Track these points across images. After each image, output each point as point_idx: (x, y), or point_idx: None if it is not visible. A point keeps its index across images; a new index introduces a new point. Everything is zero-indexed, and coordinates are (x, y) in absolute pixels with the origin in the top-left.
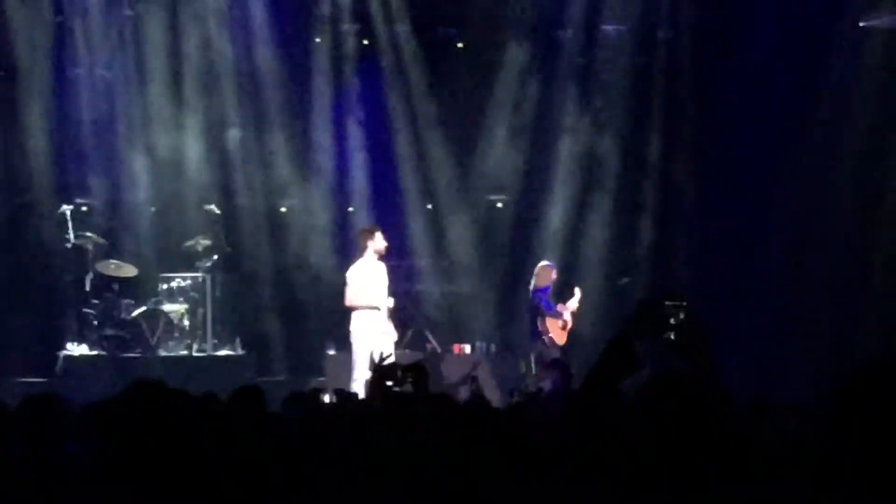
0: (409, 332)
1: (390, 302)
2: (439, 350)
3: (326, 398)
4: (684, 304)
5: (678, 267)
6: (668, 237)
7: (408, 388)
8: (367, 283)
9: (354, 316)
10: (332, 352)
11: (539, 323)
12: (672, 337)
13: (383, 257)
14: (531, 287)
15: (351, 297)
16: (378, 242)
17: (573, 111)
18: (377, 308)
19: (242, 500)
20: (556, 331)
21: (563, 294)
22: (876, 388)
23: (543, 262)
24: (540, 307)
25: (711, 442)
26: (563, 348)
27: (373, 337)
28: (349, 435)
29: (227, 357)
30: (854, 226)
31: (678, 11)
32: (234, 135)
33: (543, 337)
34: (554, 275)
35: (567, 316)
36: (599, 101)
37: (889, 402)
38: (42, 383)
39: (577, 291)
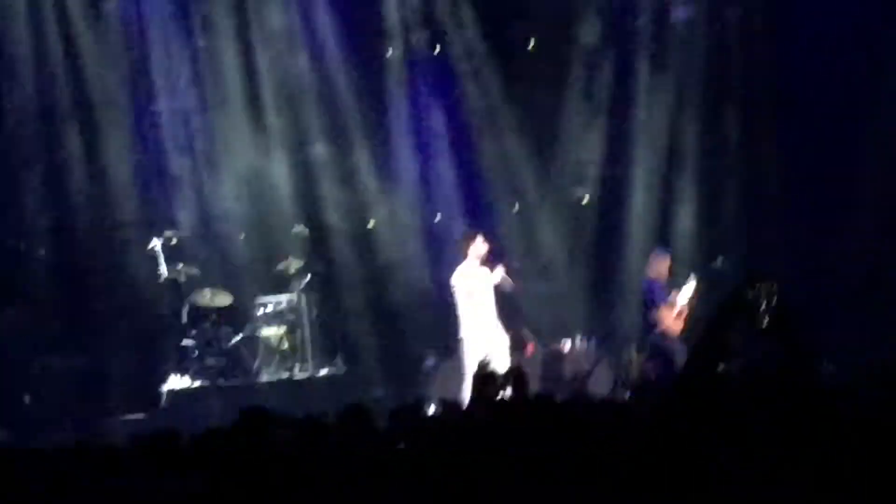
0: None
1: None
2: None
3: (431, 409)
4: (774, 287)
5: (768, 246)
6: (756, 217)
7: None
8: (473, 288)
9: (464, 322)
10: (430, 362)
11: (651, 314)
12: (764, 323)
13: (486, 262)
14: (648, 278)
15: (460, 304)
16: (479, 247)
17: (649, 99)
18: (485, 313)
19: None
20: (671, 320)
21: (679, 282)
22: None
23: (655, 252)
24: (649, 298)
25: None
26: (679, 337)
27: (483, 342)
28: (454, 446)
29: (328, 376)
30: None
31: None
32: (318, 150)
33: (655, 329)
34: (665, 264)
35: (682, 304)
36: (675, 87)
37: None
38: (146, 419)
39: (693, 278)
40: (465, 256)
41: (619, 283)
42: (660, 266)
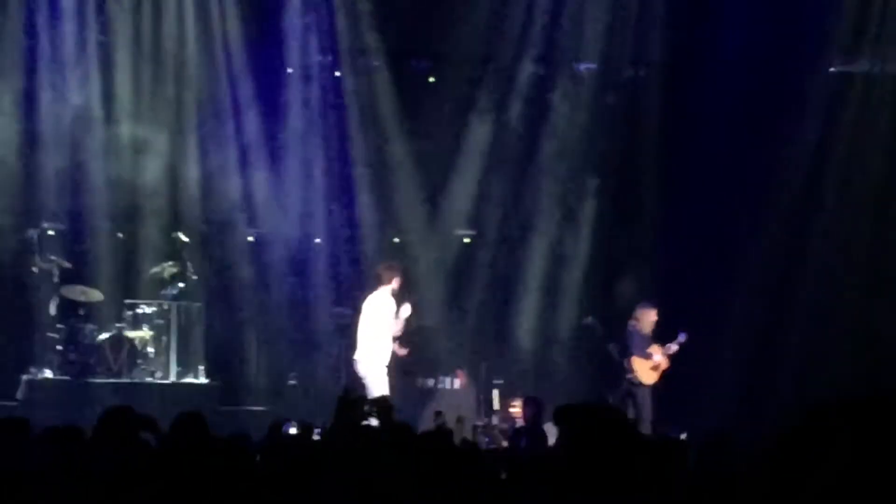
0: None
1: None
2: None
3: (292, 430)
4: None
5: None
6: (639, 276)
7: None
8: (388, 317)
9: (371, 347)
10: (294, 382)
11: (626, 361)
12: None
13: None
14: (630, 328)
15: (375, 329)
16: (398, 279)
17: (543, 147)
18: (390, 343)
19: None
20: (645, 371)
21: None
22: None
23: (642, 304)
24: (630, 346)
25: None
26: (649, 388)
27: (384, 370)
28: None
29: (189, 385)
30: (824, 275)
31: (647, 50)
32: (205, 159)
33: (628, 375)
34: (648, 316)
35: (657, 357)
36: (569, 139)
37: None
38: (3, 406)
39: (681, 335)
40: (384, 284)
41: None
42: (644, 317)
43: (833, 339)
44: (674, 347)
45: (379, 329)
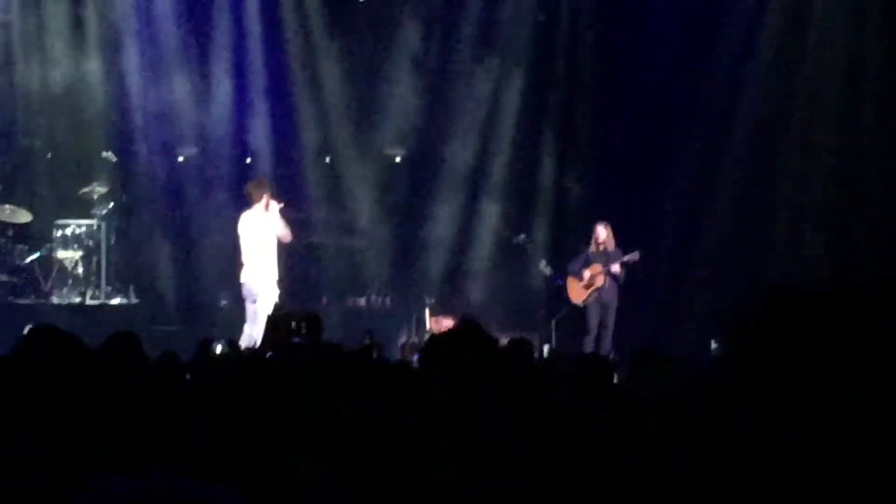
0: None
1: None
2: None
3: (219, 349)
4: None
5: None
6: (567, 187)
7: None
8: (263, 233)
9: (252, 268)
10: (225, 302)
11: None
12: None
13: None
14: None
15: (255, 248)
16: (268, 195)
17: (473, 66)
18: (268, 259)
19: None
20: (574, 289)
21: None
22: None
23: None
24: (569, 265)
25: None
26: (577, 305)
27: (270, 288)
28: (239, 384)
29: (120, 305)
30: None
31: None
32: (134, 78)
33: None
34: (596, 235)
35: (586, 275)
36: (500, 60)
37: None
38: None
39: (632, 254)
40: (255, 201)
41: (421, 243)
42: (594, 235)
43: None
44: (615, 267)
45: (259, 246)
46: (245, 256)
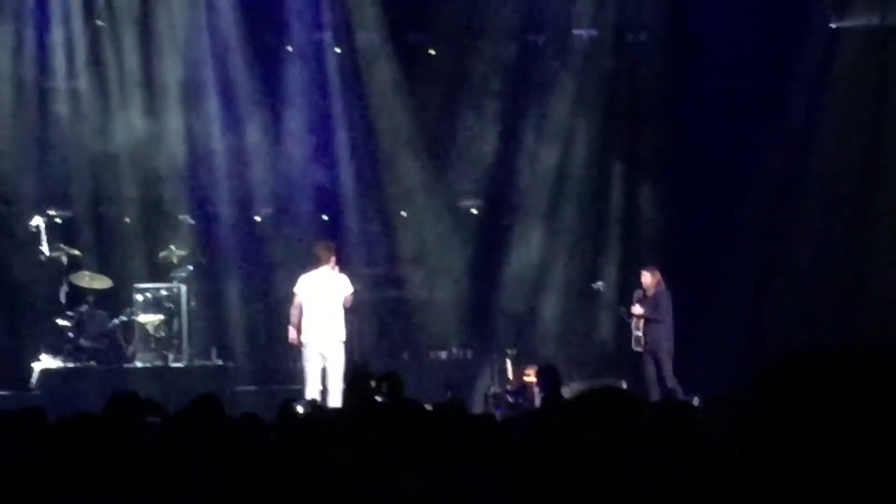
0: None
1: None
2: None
3: (300, 409)
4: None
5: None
6: (635, 248)
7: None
8: (329, 294)
9: (340, 325)
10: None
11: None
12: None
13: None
14: None
15: (312, 309)
16: (335, 257)
17: (546, 116)
18: (339, 318)
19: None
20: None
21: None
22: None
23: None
24: None
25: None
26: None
27: (338, 347)
28: (322, 443)
29: (202, 367)
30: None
31: (649, 15)
32: (211, 140)
33: None
34: (644, 279)
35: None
36: (572, 106)
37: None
38: (17, 396)
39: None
40: (321, 263)
41: (498, 293)
42: (642, 280)
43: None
44: (636, 309)
45: (325, 307)
46: (310, 317)
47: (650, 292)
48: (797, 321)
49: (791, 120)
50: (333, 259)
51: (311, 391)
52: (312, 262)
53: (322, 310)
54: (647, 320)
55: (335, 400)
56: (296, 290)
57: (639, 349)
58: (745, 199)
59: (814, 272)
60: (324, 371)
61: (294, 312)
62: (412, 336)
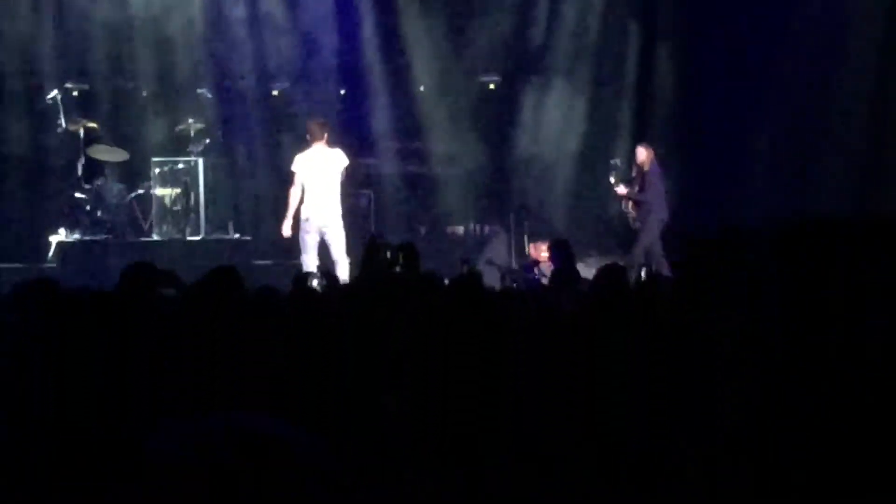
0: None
1: None
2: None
3: (315, 282)
4: None
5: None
6: (649, 118)
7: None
8: (325, 170)
9: (337, 200)
10: None
11: None
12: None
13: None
14: None
15: (311, 185)
16: (328, 133)
17: None
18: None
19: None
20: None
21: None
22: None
23: None
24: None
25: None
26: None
27: (337, 221)
28: (339, 314)
29: (219, 241)
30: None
31: None
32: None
33: None
34: (639, 156)
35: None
36: None
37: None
38: (34, 269)
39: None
40: (314, 140)
41: (513, 169)
42: (637, 157)
43: None
44: (621, 189)
45: (322, 182)
46: (309, 193)
47: (645, 169)
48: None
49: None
50: (327, 136)
51: (310, 264)
52: (306, 140)
53: (320, 185)
54: (635, 201)
55: (343, 272)
56: (293, 168)
57: (636, 227)
58: (768, 74)
59: (832, 147)
60: (324, 245)
61: (293, 192)
62: (429, 211)
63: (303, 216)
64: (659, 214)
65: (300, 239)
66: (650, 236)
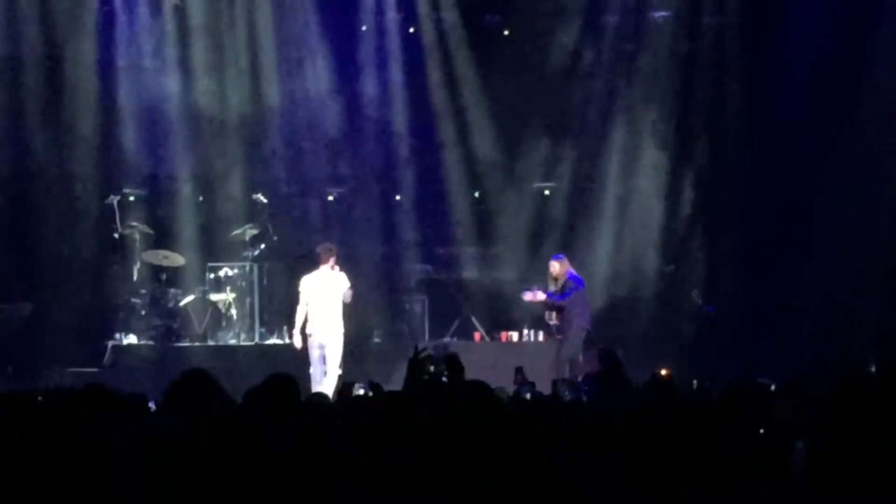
0: (456, 321)
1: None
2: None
3: (361, 391)
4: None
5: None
6: (712, 232)
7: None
8: (329, 291)
9: (339, 319)
10: (377, 340)
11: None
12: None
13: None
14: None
15: (316, 305)
16: (335, 258)
17: (619, 98)
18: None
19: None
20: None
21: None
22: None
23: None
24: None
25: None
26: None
27: (338, 338)
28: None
29: (274, 346)
30: None
31: None
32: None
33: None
34: (552, 269)
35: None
36: (645, 88)
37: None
38: (90, 373)
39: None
40: (321, 263)
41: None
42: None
43: None
44: (538, 295)
45: (326, 303)
46: (313, 312)
47: (560, 281)
48: (871, 310)
49: (870, 106)
50: (333, 259)
51: (316, 376)
52: (313, 264)
53: (323, 305)
54: (558, 308)
55: (329, 385)
56: (300, 288)
57: (558, 338)
58: (823, 185)
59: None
60: (324, 358)
61: (299, 310)
62: (482, 318)
63: (308, 332)
64: (582, 324)
65: (308, 352)
66: (572, 349)
